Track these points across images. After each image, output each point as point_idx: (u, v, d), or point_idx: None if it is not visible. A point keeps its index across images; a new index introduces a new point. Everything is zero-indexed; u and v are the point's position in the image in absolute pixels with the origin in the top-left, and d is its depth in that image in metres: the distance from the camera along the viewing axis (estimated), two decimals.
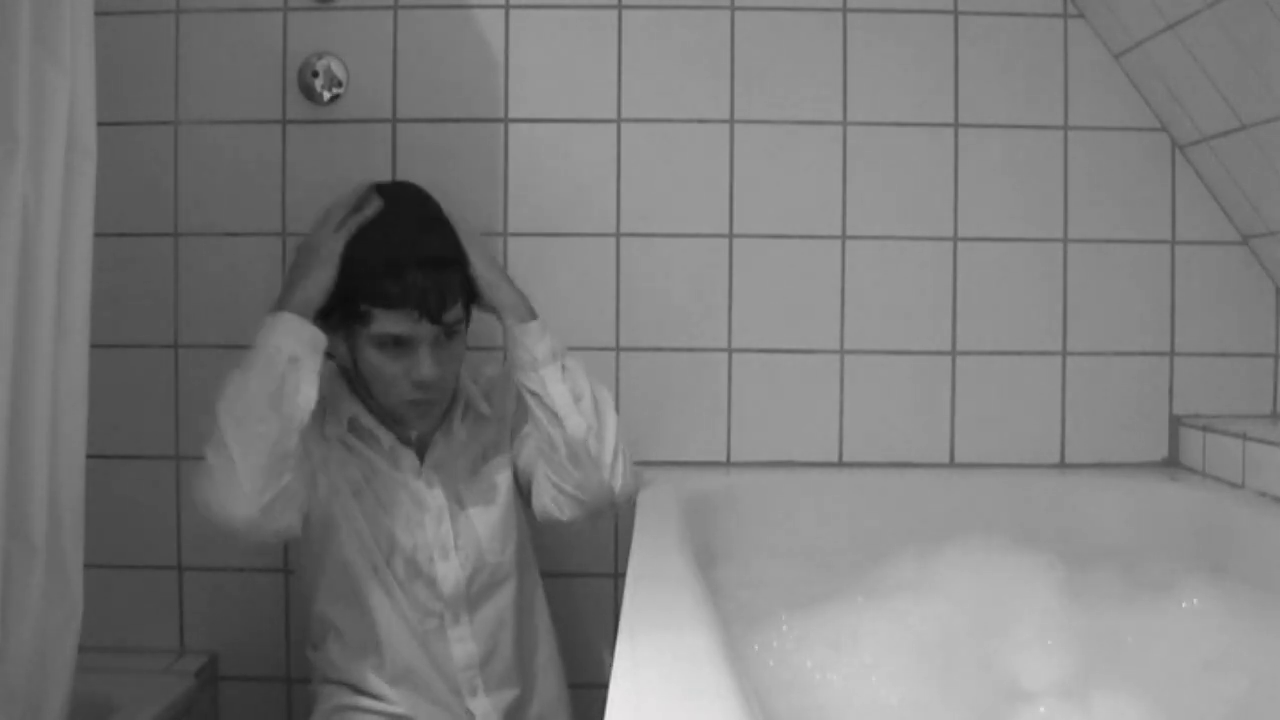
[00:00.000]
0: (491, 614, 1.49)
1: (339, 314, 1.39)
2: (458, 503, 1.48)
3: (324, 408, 1.45)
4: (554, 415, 1.40)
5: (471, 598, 1.48)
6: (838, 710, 1.10)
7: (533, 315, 1.44)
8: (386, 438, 1.47)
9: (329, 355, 1.42)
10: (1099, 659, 1.18)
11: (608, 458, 1.42)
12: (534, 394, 1.41)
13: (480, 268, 1.43)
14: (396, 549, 1.45)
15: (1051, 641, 1.20)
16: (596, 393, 1.44)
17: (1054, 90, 1.75)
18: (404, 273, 1.34)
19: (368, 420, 1.46)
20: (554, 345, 1.43)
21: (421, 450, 1.49)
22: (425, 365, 1.37)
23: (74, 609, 1.27)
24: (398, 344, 1.37)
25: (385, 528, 1.45)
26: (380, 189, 1.44)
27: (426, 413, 1.45)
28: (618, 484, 1.43)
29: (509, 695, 1.49)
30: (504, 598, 1.50)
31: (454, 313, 1.39)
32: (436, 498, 1.47)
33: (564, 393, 1.40)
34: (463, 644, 1.46)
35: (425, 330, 1.36)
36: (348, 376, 1.48)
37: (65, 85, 1.22)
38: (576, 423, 1.39)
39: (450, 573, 1.46)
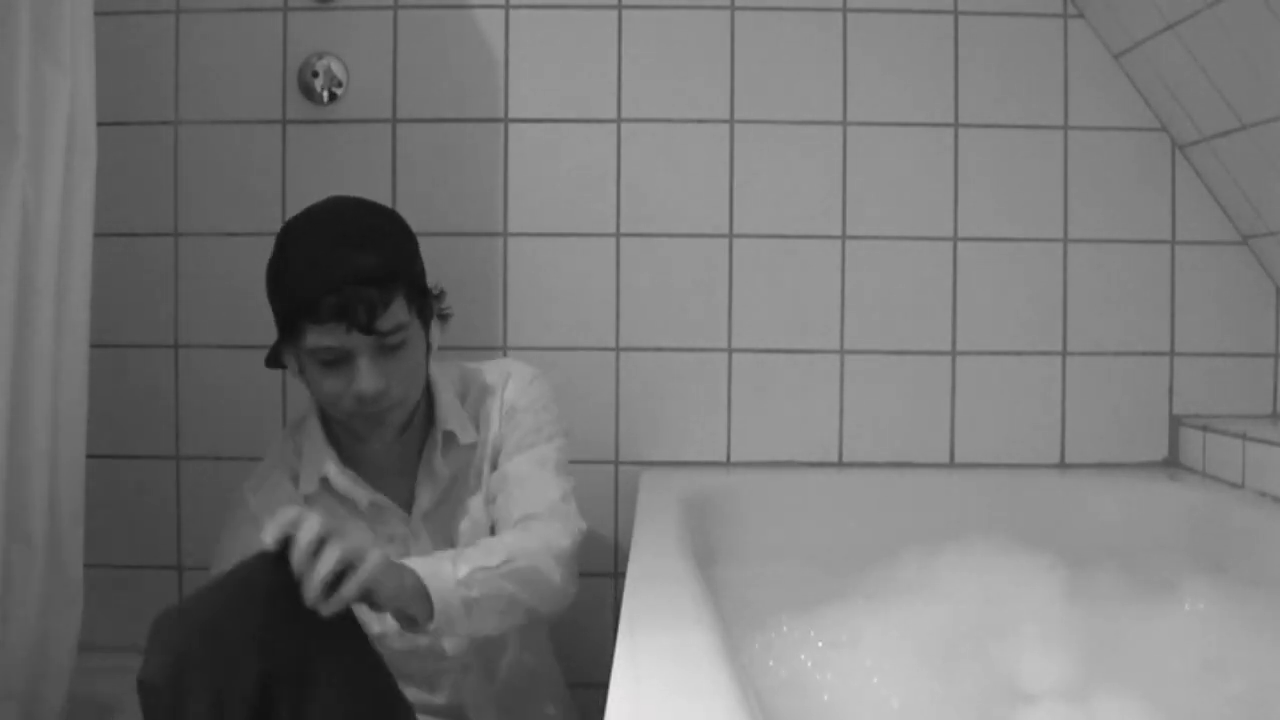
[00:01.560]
0: (507, 653, 1.40)
1: (282, 331, 1.29)
2: (451, 547, 1.34)
3: (300, 464, 1.35)
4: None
5: (480, 645, 1.36)
6: (838, 710, 1.10)
7: (430, 617, 1.15)
8: (364, 495, 1.34)
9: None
10: (1099, 659, 1.18)
11: (553, 609, 1.29)
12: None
13: (386, 600, 1.12)
14: (387, 622, 1.27)
15: (1052, 642, 1.20)
16: (523, 569, 1.24)
17: (1054, 90, 1.75)
18: (328, 294, 1.23)
19: (341, 480, 1.34)
20: (453, 615, 1.16)
21: (407, 497, 1.37)
22: (364, 378, 1.24)
23: (74, 609, 1.27)
24: (336, 359, 1.25)
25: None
26: (308, 209, 1.33)
27: (380, 423, 1.30)
28: (564, 606, 1.30)
29: None
30: (513, 634, 1.40)
31: (389, 320, 1.25)
32: (426, 552, 1.31)
33: (496, 621, 1.22)
34: (475, 695, 1.39)
35: (359, 341, 1.24)
36: (325, 419, 1.36)
37: (65, 85, 1.22)
38: (519, 617, 1.25)
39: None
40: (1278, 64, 1.43)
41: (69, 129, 1.23)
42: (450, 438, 1.38)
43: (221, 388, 1.75)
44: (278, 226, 1.77)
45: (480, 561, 1.20)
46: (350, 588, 1.04)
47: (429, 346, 1.34)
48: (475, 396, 1.42)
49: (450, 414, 1.38)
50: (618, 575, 1.75)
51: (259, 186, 1.75)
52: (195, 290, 1.76)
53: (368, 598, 1.08)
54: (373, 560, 1.07)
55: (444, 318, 1.38)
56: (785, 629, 1.22)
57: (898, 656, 1.15)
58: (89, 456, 1.30)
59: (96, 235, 1.28)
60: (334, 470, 1.34)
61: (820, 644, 1.18)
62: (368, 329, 1.23)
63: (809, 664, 1.16)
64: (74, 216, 1.25)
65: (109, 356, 1.67)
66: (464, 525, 1.37)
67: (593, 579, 1.73)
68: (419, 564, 1.16)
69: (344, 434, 1.36)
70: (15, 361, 1.17)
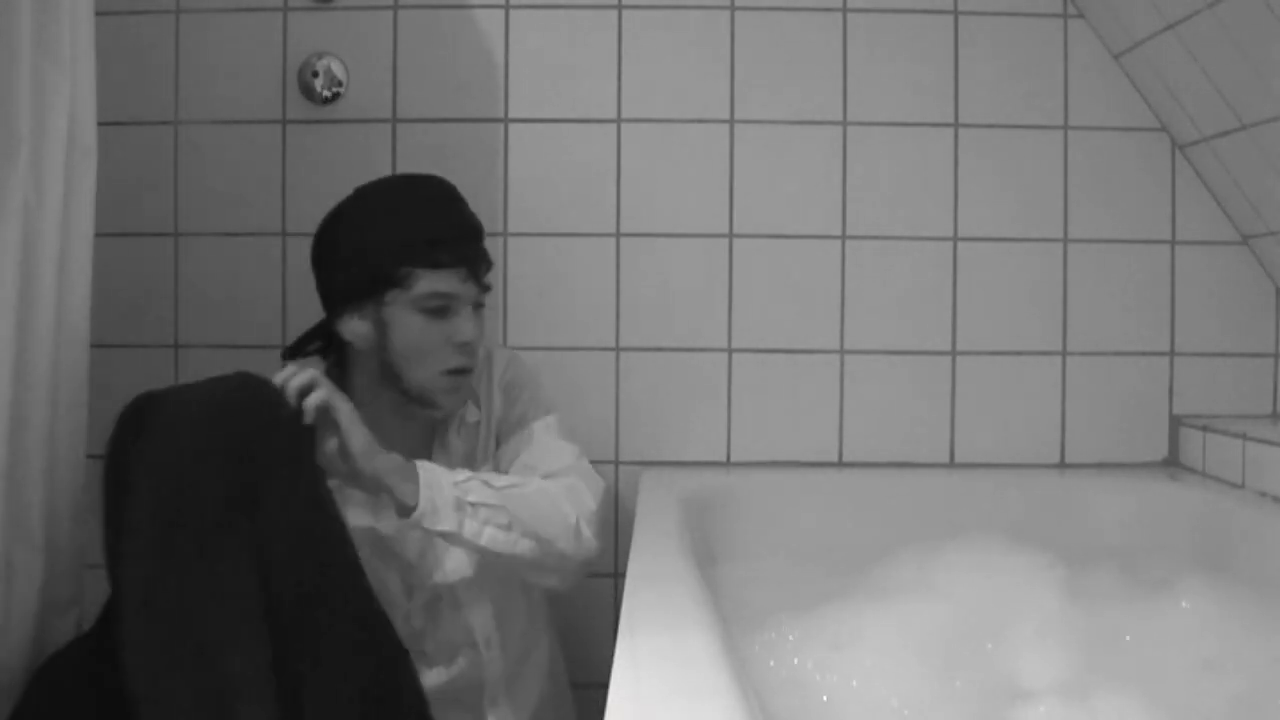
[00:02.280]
0: (518, 625, 1.43)
1: (370, 284, 1.31)
2: None
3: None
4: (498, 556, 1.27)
5: (496, 613, 1.40)
6: (838, 710, 1.10)
7: (416, 502, 1.22)
8: None
9: (318, 353, 1.39)
10: (1099, 659, 1.18)
11: (569, 548, 1.29)
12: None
13: (358, 451, 1.21)
14: (415, 594, 1.36)
15: (1052, 641, 1.20)
16: (530, 494, 1.28)
17: (1054, 90, 1.75)
18: (456, 238, 1.33)
19: None
20: (440, 504, 1.22)
21: None
22: (468, 326, 1.32)
23: (74, 609, 1.27)
24: (440, 308, 1.31)
25: (395, 576, 1.35)
26: (387, 177, 1.46)
27: (460, 385, 1.36)
28: (585, 554, 1.32)
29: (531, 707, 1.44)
30: (522, 605, 1.44)
31: (489, 278, 1.38)
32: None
33: (493, 534, 1.25)
34: (492, 673, 1.40)
35: (468, 291, 1.33)
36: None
37: (65, 85, 1.22)
38: (526, 547, 1.27)
39: (474, 600, 1.38)
40: (1278, 64, 1.43)
41: (69, 129, 1.23)
42: (460, 419, 1.43)
43: None
44: (278, 226, 1.77)
45: (483, 477, 1.27)
46: (320, 393, 1.18)
47: None
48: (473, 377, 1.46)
49: None
50: (618, 575, 1.75)
51: (259, 186, 1.75)
52: (195, 290, 1.76)
53: (348, 461, 1.19)
54: (349, 407, 1.21)
55: None
56: (785, 629, 1.22)
57: (898, 656, 1.15)
58: (89, 456, 1.29)
59: (96, 235, 1.28)
60: None
61: (820, 644, 1.18)
62: (481, 279, 1.34)
63: (809, 664, 1.16)
64: (74, 216, 1.25)
65: (109, 356, 1.67)
66: None
67: (593, 579, 1.74)
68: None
69: (386, 414, 1.34)
70: (15, 361, 1.17)
